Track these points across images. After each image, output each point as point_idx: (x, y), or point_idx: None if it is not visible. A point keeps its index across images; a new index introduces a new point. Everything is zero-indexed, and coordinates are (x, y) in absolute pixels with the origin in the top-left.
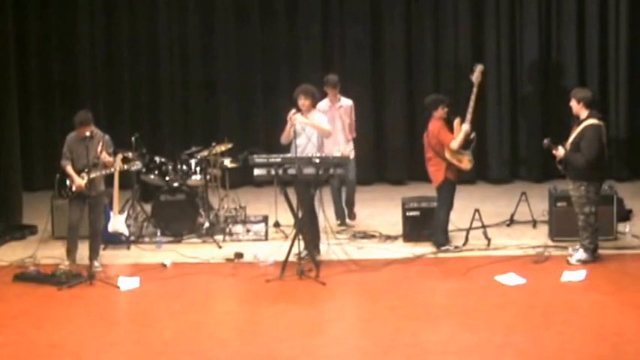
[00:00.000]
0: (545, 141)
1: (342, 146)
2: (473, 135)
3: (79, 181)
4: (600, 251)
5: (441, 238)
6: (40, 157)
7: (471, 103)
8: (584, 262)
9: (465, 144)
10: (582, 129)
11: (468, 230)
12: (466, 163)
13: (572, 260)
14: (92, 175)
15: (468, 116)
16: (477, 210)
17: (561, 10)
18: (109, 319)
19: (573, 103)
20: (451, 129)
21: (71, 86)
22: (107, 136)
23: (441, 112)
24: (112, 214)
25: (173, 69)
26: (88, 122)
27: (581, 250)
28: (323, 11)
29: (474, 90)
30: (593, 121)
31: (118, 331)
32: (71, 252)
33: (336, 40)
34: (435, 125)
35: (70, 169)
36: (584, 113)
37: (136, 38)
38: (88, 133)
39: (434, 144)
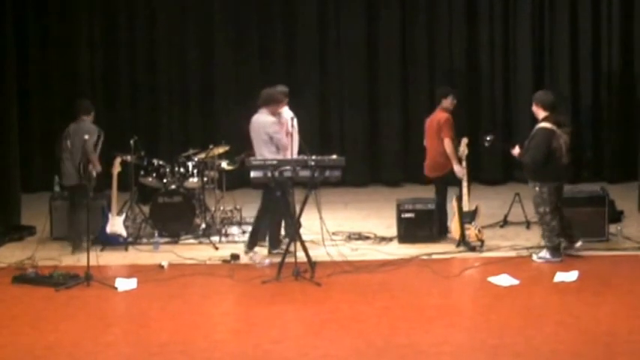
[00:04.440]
0: (488, 138)
1: None
2: (475, 206)
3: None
4: (592, 252)
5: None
6: (38, 158)
7: (465, 178)
8: (547, 261)
9: (469, 216)
10: (534, 131)
11: (461, 233)
12: (473, 235)
13: (535, 257)
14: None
15: (465, 191)
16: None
17: (554, 13)
18: (106, 320)
19: (533, 106)
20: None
21: (70, 88)
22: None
23: (449, 102)
24: (110, 215)
25: (171, 73)
26: None
27: (545, 249)
28: (319, 15)
29: (464, 164)
30: (545, 124)
31: (115, 331)
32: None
33: (332, 44)
34: (442, 115)
35: None
36: (540, 115)
37: (135, 42)
38: None
39: (436, 130)
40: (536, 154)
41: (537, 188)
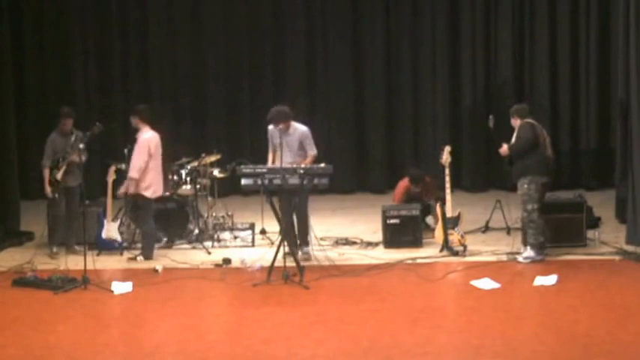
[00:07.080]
0: (490, 117)
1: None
2: (458, 212)
3: (48, 189)
4: (571, 257)
5: None
6: (36, 165)
7: (447, 185)
8: (532, 260)
9: (452, 222)
10: (517, 130)
11: (445, 238)
12: (456, 240)
13: (520, 258)
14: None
15: (448, 197)
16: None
17: (534, 30)
18: (102, 322)
19: (512, 120)
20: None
21: (67, 98)
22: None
23: (406, 183)
24: (105, 221)
25: (164, 84)
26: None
27: (528, 248)
28: (307, 30)
29: (447, 172)
30: (525, 120)
31: (111, 333)
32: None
33: (320, 56)
34: (399, 187)
35: (47, 172)
36: (518, 123)
37: (128, 54)
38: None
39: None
40: (522, 143)
41: (525, 185)
